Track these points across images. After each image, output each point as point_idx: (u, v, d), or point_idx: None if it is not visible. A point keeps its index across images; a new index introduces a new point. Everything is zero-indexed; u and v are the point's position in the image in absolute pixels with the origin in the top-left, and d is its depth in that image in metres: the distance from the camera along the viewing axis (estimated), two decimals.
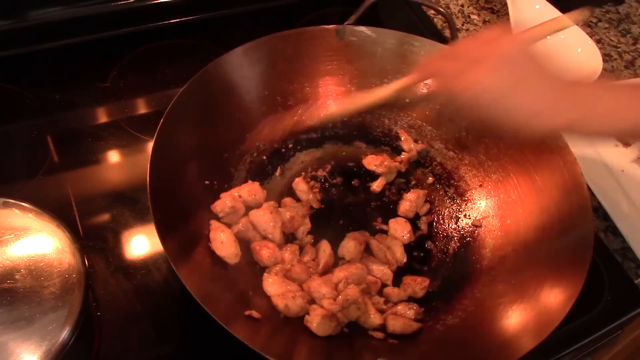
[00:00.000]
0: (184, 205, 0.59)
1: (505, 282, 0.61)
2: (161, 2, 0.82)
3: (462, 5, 1.02)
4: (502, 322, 0.56)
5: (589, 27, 1.03)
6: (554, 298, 0.55)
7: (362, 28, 0.73)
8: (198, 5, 0.84)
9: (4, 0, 0.73)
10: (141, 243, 0.64)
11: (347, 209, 0.69)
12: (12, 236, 0.51)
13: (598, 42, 1.00)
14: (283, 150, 0.72)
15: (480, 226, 0.68)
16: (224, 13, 0.86)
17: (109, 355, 0.55)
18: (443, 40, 0.75)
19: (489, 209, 0.69)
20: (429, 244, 0.67)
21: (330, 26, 0.72)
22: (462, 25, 0.98)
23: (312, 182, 0.70)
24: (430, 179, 0.73)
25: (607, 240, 0.72)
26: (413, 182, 0.72)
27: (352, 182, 0.71)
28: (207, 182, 0.63)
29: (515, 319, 0.56)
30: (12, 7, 0.74)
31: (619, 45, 1.00)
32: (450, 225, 0.69)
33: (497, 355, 0.52)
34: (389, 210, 0.69)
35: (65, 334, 0.47)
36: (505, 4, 0.95)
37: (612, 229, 0.73)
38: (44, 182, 0.67)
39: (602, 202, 0.73)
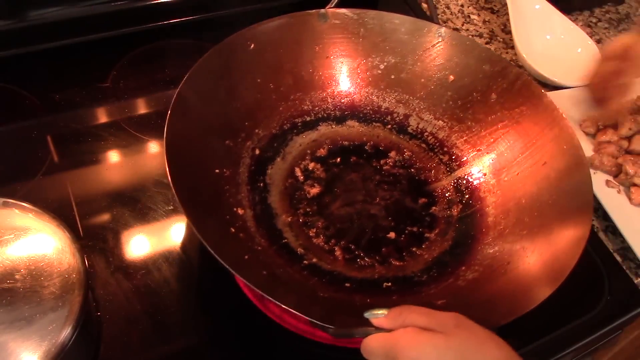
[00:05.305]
0: (206, 192, 0.60)
1: (514, 234, 0.62)
2: (161, 2, 0.82)
3: (462, 5, 1.02)
4: (519, 271, 0.58)
5: (589, 27, 1.03)
6: (565, 240, 0.57)
7: (344, 10, 0.74)
8: (198, 5, 0.84)
9: (4, 0, 0.73)
10: (141, 243, 0.64)
11: (353, 184, 0.70)
12: (12, 236, 0.51)
13: (598, 42, 1.00)
14: (281, 135, 0.72)
15: (479, 186, 0.70)
16: (224, 13, 0.86)
17: (109, 355, 0.55)
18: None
19: (485, 170, 0.71)
20: (433, 210, 0.69)
21: (313, 11, 0.73)
22: (462, 25, 0.98)
23: (313, 163, 0.71)
24: (425, 149, 0.75)
25: (607, 240, 0.72)
26: (408, 153, 0.74)
27: (350, 160, 0.73)
28: (217, 170, 0.63)
29: (530, 266, 0.58)
30: (12, 7, 0.74)
31: None
32: (450, 189, 0.71)
33: (518, 304, 0.53)
34: (391, 183, 0.71)
35: (65, 334, 0.47)
36: (505, 4, 0.95)
37: (612, 229, 0.73)
38: (44, 182, 0.67)
39: (602, 202, 0.73)
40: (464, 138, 0.73)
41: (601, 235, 0.72)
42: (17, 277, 0.49)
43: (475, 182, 0.71)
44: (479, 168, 0.71)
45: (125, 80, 0.79)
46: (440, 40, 0.74)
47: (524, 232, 0.62)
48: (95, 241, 0.62)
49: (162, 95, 0.78)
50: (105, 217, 0.65)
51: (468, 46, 0.74)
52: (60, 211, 0.56)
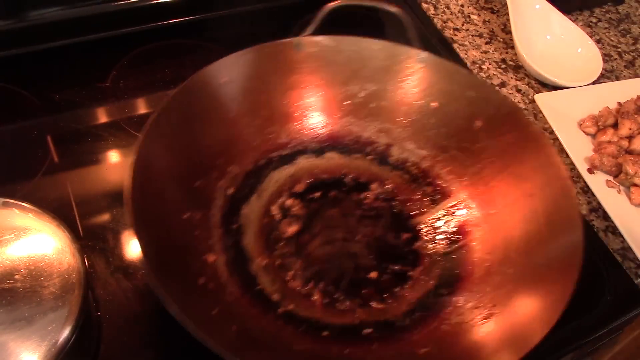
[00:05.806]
0: (173, 242, 0.57)
1: (500, 273, 0.60)
2: (161, 2, 0.82)
3: (462, 5, 1.02)
4: (504, 315, 0.56)
5: (589, 27, 1.03)
6: (553, 280, 0.55)
7: (320, 38, 0.71)
8: (198, 5, 0.84)
9: (4, 0, 0.73)
10: None
11: (333, 220, 0.67)
12: (12, 236, 0.51)
13: (598, 42, 1.00)
14: (256, 171, 0.69)
15: (465, 220, 0.67)
16: (224, 13, 0.86)
17: (109, 355, 0.55)
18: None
19: (470, 202, 0.68)
20: (416, 246, 0.66)
21: (287, 40, 0.70)
22: (462, 25, 0.98)
23: (291, 200, 0.68)
24: (407, 180, 0.71)
25: (607, 240, 0.72)
26: (390, 185, 0.71)
27: (330, 194, 0.69)
28: (185, 215, 0.60)
29: (516, 309, 0.56)
30: (12, 7, 0.74)
31: (619, 45, 1.00)
32: (435, 223, 0.68)
33: (505, 350, 0.52)
34: (372, 217, 0.68)
35: (65, 334, 0.47)
36: (505, 4, 0.95)
37: (612, 229, 0.73)
38: (44, 182, 0.67)
39: (602, 202, 0.73)
40: (449, 168, 0.70)
41: (601, 235, 0.72)
42: (17, 277, 0.49)
43: (460, 215, 0.67)
44: (464, 200, 0.68)
45: (125, 80, 0.79)
46: (421, 65, 0.71)
47: (510, 271, 0.59)
48: (95, 241, 0.62)
49: (162, 95, 0.78)
50: (105, 217, 0.65)
51: (451, 71, 0.71)
52: (60, 211, 0.56)
